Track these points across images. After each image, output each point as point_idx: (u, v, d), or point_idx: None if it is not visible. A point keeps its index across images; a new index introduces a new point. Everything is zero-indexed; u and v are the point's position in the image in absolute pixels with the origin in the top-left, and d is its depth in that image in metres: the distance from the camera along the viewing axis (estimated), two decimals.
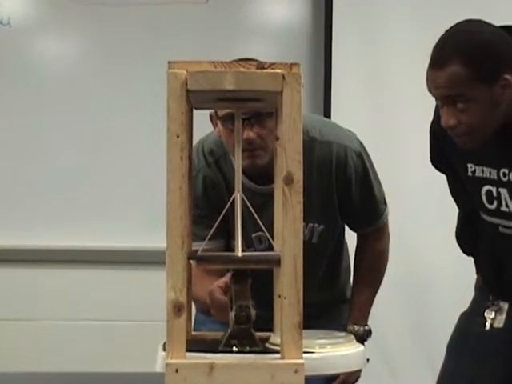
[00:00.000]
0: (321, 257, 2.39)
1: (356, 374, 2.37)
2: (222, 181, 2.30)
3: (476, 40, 1.92)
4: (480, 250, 2.26)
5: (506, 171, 2.04)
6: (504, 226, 2.12)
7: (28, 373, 2.56)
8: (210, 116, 2.22)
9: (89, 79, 3.53)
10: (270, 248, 1.50)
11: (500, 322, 2.19)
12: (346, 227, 2.46)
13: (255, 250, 2.26)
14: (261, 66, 1.38)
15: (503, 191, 2.06)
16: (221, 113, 2.14)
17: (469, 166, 2.12)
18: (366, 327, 2.39)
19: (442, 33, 1.96)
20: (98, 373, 2.47)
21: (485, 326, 2.19)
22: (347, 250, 2.53)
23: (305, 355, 1.37)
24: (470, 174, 2.12)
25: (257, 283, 1.52)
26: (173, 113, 1.36)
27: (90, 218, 3.53)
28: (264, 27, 3.62)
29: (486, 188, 2.10)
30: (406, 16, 3.50)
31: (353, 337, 1.57)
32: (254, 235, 2.27)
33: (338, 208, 2.34)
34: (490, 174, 2.07)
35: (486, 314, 2.20)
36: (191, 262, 1.45)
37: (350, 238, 2.49)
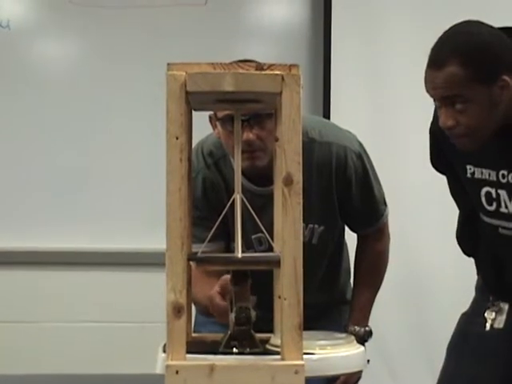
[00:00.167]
0: (321, 258, 2.39)
1: (357, 375, 2.37)
2: (222, 182, 2.30)
3: (474, 41, 1.92)
4: (480, 251, 2.26)
5: (505, 173, 2.04)
6: (503, 227, 2.11)
7: (28, 375, 2.56)
8: (210, 117, 2.22)
9: (88, 81, 3.53)
10: (270, 249, 1.50)
11: (500, 323, 2.18)
12: (346, 228, 2.46)
13: (255, 252, 2.25)
14: (260, 67, 1.38)
15: (502, 193, 2.06)
16: (220, 114, 2.14)
17: (468, 167, 2.12)
18: (367, 328, 2.39)
19: (441, 33, 1.96)
20: (98, 375, 2.47)
21: (485, 326, 2.19)
22: (347, 250, 2.53)
23: (305, 356, 1.37)
24: (469, 175, 2.12)
25: (257, 284, 1.52)
26: (172, 114, 1.36)
27: (90, 219, 3.53)
28: (263, 28, 3.62)
29: (485, 189, 2.10)
30: (406, 16, 3.50)
31: (353, 338, 1.56)
32: (253, 237, 2.27)
33: (338, 209, 2.34)
34: (489, 175, 2.07)
35: (486, 314, 2.20)
36: (191, 263, 1.45)
37: (350, 238, 2.49)
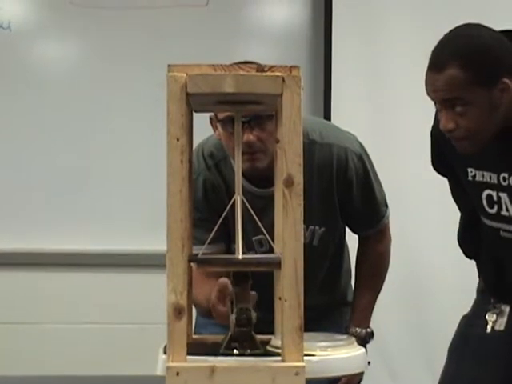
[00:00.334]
0: (322, 259, 2.38)
1: (358, 377, 2.37)
2: (222, 184, 2.29)
3: (475, 44, 1.92)
4: (481, 254, 2.25)
5: (506, 175, 2.04)
6: (505, 230, 2.11)
7: (29, 376, 2.56)
8: (210, 119, 2.22)
9: (89, 82, 3.53)
10: (271, 251, 1.50)
11: (501, 325, 2.18)
12: (347, 229, 2.46)
13: (256, 253, 2.25)
14: (261, 68, 1.38)
15: (503, 195, 2.06)
16: (220, 116, 2.14)
17: (469, 170, 2.11)
18: (368, 329, 2.39)
19: (441, 33, 1.96)
20: (98, 376, 2.47)
21: (486, 328, 2.19)
22: (348, 252, 2.53)
23: (306, 358, 1.37)
24: (470, 178, 2.12)
25: (257, 286, 1.52)
26: (173, 116, 1.36)
27: (91, 220, 3.52)
28: (264, 29, 3.62)
29: (486, 192, 2.10)
30: (406, 17, 3.50)
31: (354, 339, 1.56)
32: (254, 238, 2.27)
33: (339, 210, 2.33)
34: (490, 178, 2.07)
35: (487, 316, 2.20)
36: (192, 264, 1.45)
37: (351, 240, 2.48)
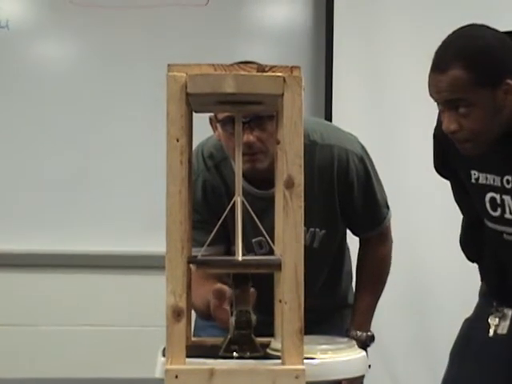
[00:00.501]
0: (322, 262, 2.37)
1: (358, 380, 2.33)
2: (222, 185, 2.28)
3: (478, 45, 1.91)
4: (484, 257, 2.25)
5: (510, 178, 2.03)
6: (508, 234, 2.10)
7: (26, 379, 2.56)
8: (210, 119, 2.21)
9: (88, 82, 3.52)
10: (271, 253, 1.49)
11: (504, 329, 2.17)
12: (348, 231, 2.45)
13: (255, 255, 2.24)
14: (261, 68, 1.38)
15: (507, 198, 2.05)
16: (220, 116, 2.13)
17: (472, 172, 2.11)
18: (369, 333, 2.37)
19: (443, 33, 1.96)
20: (97, 378, 2.47)
21: (488, 332, 2.18)
22: (349, 254, 2.52)
23: (306, 361, 1.36)
24: (473, 181, 2.11)
25: (257, 288, 1.51)
26: (172, 116, 1.35)
27: (89, 222, 3.51)
28: (264, 29, 3.61)
29: (489, 195, 2.09)
30: (407, 17, 3.49)
31: (354, 342, 1.56)
32: (254, 240, 2.26)
33: (340, 212, 2.32)
34: (494, 181, 2.06)
35: (489, 320, 2.19)
36: (191, 266, 1.44)
37: (353, 242, 2.47)
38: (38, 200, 3.51)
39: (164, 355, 1.37)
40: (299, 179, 1.35)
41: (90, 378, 2.46)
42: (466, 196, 2.19)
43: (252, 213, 1.45)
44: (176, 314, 1.34)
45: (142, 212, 3.47)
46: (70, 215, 3.51)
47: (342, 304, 2.48)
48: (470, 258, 2.29)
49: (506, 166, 2.03)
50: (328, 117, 3.44)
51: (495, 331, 2.17)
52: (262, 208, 1.74)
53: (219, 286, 1.94)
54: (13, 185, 3.52)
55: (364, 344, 2.29)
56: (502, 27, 1.98)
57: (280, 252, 1.37)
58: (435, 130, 2.16)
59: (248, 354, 1.45)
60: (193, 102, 1.41)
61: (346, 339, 1.60)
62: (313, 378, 1.39)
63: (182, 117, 1.35)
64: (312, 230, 2.30)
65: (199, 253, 1.46)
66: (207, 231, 1.64)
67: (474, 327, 2.26)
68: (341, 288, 2.49)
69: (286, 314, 1.35)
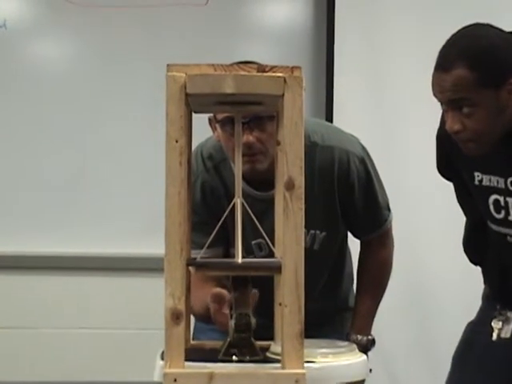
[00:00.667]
0: (323, 264, 2.36)
1: None
2: (221, 186, 2.27)
3: (483, 44, 1.91)
4: (487, 260, 2.23)
5: None
6: None
7: (26, 382, 2.55)
8: (209, 120, 2.20)
9: (87, 82, 3.51)
10: (271, 255, 1.48)
11: (507, 332, 2.16)
12: (349, 234, 2.43)
13: (255, 258, 2.23)
14: (262, 69, 1.37)
15: (511, 200, 2.04)
16: (220, 116, 2.12)
17: (476, 174, 2.10)
18: (370, 337, 2.36)
19: (444, 33, 1.96)
20: (95, 382, 2.46)
21: (492, 336, 2.17)
22: (350, 256, 2.50)
23: (306, 365, 1.36)
24: (477, 182, 2.10)
25: (257, 290, 1.50)
26: (171, 116, 1.34)
27: (88, 223, 3.50)
28: (265, 29, 3.60)
29: (493, 197, 2.08)
30: (409, 16, 3.49)
31: (355, 346, 1.55)
32: (253, 242, 2.24)
33: (341, 214, 2.31)
34: (498, 182, 2.05)
35: (493, 323, 2.18)
36: (190, 268, 1.43)
37: (354, 244, 2.46)
38: (36, 201, 3.50)
39: (163, 358, 1.37)
40: (300, 181, 1.35)
41: (89, 382, 2.45)
42: (469, 198, 2.18)
43: (252, 215, 1.44)
44: (175, 316, 1.33)
45: (140, 214, 3.45)
46: (69, 217, 3.50)
47: (342, 307, 2.47)
48: (473, 261, 2.28)
49: (509, 168, 2.03)
50: (329, 117, 3.43)
51: (498, 335, 2.16)
52: (262, 210, 1.73)
53: (218, 290, 1.93)
54: (11, 185, 3.51)
55: (365, 348, 2.27)
56: (502, 27, 1.97)
57: (280, 254, 1.36)
58: (438, 130, 2.15)
59: (247, 357, 1.45)
60: (192, 102, 1.40)
61: (346, 343, 1.60)
62: (313, 382, 1.38)
63: (181, 117, 1.34)
64: (312, 232, 2.29)
65: (198, 255, 1.45)
66: (206, 233, 1.63)
67: (477, 331, 2.24)
68: (341, 290, 2.48)
69: (286, 317, 1.34)
